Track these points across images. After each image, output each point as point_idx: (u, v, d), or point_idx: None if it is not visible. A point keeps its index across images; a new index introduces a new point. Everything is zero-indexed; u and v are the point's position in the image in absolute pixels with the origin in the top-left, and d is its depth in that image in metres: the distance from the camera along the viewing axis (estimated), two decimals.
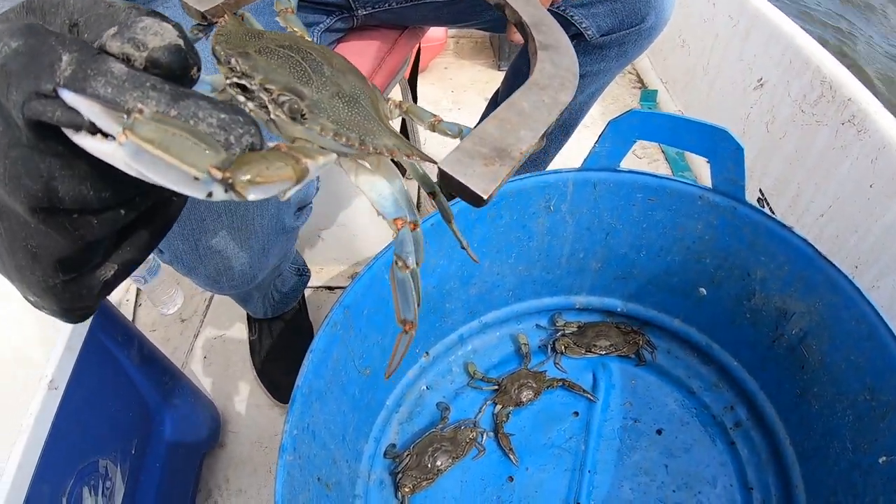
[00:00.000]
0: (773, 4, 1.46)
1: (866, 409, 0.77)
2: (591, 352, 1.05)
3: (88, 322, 0.74)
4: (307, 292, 1.23)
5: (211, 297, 1.34)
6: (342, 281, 1.36)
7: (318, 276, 1.35)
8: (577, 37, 0.92)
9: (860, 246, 1.07)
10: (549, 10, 0.71)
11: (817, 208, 1.19)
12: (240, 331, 1.27)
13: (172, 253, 0.63)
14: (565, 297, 1.09)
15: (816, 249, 0.82)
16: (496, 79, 2.02)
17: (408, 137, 1.37)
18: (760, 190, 1.38)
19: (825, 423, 0.84)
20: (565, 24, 0.90)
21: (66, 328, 0.70)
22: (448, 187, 0.32)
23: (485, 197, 0.31)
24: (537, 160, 1.12)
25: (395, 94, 1.29)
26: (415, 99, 1.32)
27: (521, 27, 0.45)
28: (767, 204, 1.35)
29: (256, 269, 0.68)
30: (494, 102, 1.12)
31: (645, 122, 0.82)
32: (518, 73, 1.03)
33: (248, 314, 1.16)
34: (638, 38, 0.89)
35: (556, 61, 0.40)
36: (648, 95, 1.93)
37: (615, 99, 1.97)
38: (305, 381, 0.65)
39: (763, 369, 0.95)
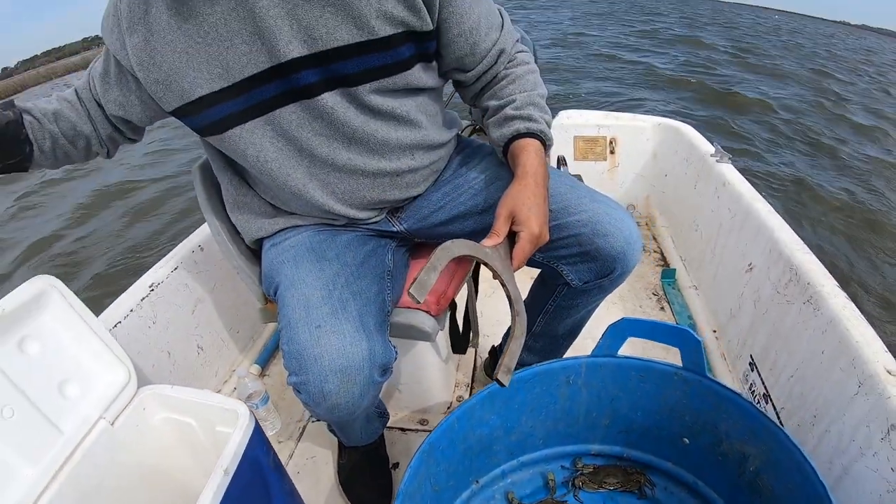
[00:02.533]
0: (765, 201, 1.69)
1: None
2: (602, 487, 1.28)
3: (247, 441, 0.97)
4: (385, 431, 1.48)
5: (304, 426, 1.63)
6: (412, 424, 1.61)
7: (393, 420, 1.58)
8: (565, 284, 1.13)
9: (817, 401, 1.25)
10: (542, 263, 1.13)
11: (789, 370, 1.39)
12: (326, 455, 1.53)
13: (308, 395, 0.94)
14: (583, 445, 1.33)
15: (758, 409, 1.05)
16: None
17: (469, 325, 1.56)
18: (751, 356, 1.59)
19: None
20: (555, 275, 1.13)
21: (230, 451, 0.92)
22: (496, 380, 0.83)
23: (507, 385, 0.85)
24: (556, 350, 1.36)
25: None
26: (476, 290, 1.53)
27: (509, 299, 0.89)
28: (756, 368, 1.56)
29: (356, 408, 0.97)
30: (532, 300, 1.33)
31: (633, 325, 1.12)
32: (543, 286, 1.26)
33: (339, 442, 1.44)
34: (611, 284, 1.11)
35: (522, 325, 0.90)
36: (669, 273, 2.15)
37: (640, 277, 2.20)
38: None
39: (735, 500, 1.17)
